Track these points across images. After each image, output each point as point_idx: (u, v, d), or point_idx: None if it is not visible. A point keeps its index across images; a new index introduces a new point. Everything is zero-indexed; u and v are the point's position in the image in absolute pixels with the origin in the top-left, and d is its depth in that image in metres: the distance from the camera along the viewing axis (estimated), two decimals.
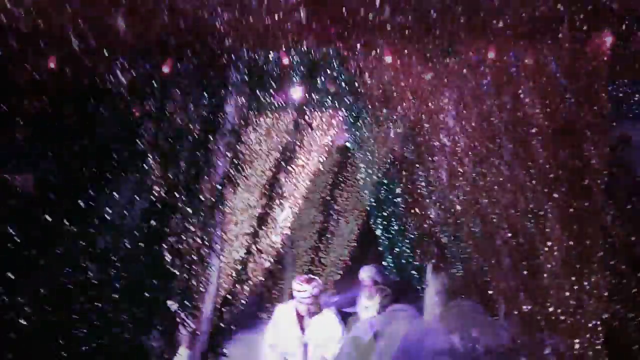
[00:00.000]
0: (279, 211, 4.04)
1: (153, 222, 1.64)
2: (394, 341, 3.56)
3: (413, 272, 4.71)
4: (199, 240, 2.29)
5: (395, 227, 4.70)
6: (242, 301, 4.03)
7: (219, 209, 2.48)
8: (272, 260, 4.21)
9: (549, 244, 2.75)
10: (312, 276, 4.07)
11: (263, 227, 3.84)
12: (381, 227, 4.82)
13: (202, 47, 1.90)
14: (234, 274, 3.57)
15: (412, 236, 4.45)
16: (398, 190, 4.45)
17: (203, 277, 2.73)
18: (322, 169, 4.19)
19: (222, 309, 3.34)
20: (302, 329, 4.04)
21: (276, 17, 2.10)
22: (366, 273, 4.71)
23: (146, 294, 1.58)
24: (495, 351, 3.00)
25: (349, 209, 6.10)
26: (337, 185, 5.90)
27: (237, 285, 3.79)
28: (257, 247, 3.50)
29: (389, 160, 4.21)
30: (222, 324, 2.43)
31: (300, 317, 4.06)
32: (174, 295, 2.04)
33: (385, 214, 4.73)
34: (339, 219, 6.21)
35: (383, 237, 4.91)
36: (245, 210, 4.22)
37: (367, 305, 4.68)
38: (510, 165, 2.81)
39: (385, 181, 4.55)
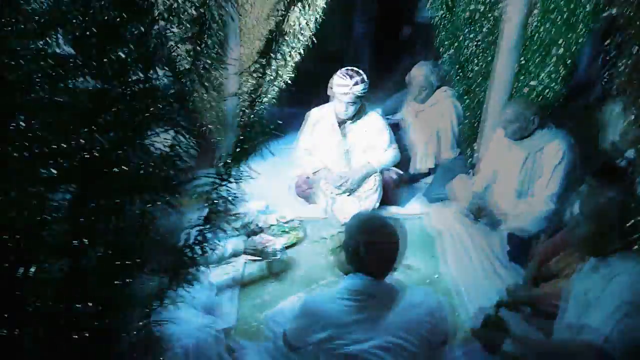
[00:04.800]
0: None
1: None
2: None
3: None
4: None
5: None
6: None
7: None
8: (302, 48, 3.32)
9: None
10: (356, 69, 3.22)
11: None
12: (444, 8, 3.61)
13: None
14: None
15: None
16: None
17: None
18: None
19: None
20: (344, 134, 3.38)
21: None
22: (420, 71, 3.77)
23: None
24: None
25: None
26: None
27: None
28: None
29: None
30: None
31: (340, 121, 3.36)
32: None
33: None
34: None
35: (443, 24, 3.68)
36: None
37: (418, 111, 3.88)
38: None
39: None
